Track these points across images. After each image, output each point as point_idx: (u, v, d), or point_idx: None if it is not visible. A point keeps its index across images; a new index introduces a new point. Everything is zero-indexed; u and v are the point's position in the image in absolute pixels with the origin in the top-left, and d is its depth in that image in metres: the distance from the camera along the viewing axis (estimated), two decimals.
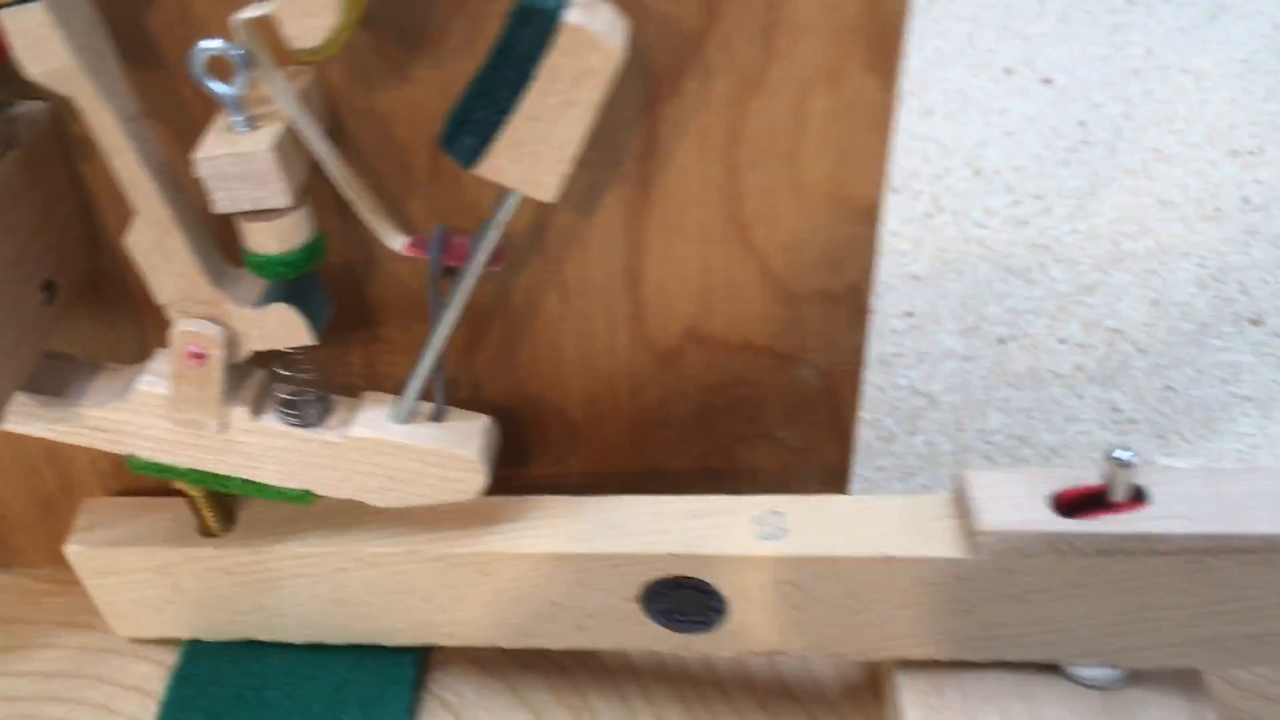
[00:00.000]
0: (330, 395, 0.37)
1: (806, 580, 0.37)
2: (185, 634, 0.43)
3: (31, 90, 0.29)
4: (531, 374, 0.41)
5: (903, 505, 0.37)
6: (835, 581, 0.36)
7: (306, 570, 0.40)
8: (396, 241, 0.34)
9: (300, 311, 0.34)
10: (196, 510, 0.40)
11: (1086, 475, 0.35)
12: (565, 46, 0.28)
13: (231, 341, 0.34)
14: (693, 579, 0.37)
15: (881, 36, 0.33)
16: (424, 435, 0.36)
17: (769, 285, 0.38)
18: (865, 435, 0.45)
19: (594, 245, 0.37)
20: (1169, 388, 0.43)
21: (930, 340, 0.42)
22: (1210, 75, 0.37)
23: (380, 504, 0.37)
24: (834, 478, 0.44)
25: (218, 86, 0.30)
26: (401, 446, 0.36)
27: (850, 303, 0.39)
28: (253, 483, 0.37)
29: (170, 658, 0.44)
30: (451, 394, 0.37)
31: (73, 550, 0.41)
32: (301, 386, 0.36)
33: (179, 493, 0.40)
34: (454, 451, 0.36)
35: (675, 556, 0.37)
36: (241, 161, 0.30)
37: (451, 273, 0.34)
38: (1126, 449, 0.34)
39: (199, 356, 0.34)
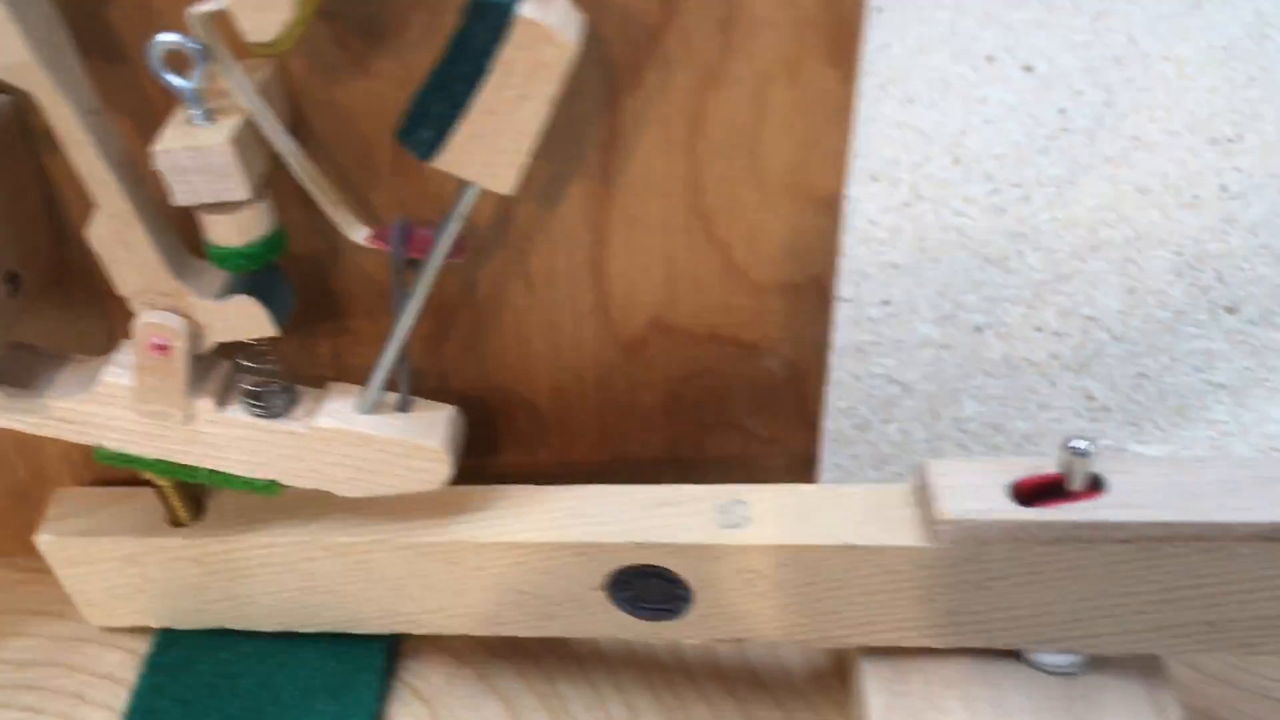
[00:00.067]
0: (296, 386, 0.37)
1: (769, 569, 0.37)
2: (156, 623, 0.44)
3: None
4: (498, 364, 0.41)
5: (866, 494, 0.38)
6: (798, 570, 0.37)
7: (275, 560, 0.40)
8: (358, 233, 0.34)
9: (262, 303, 0.34)
10: (165, 500, 0.40)
11: (1047, 464, 0.36)
12: (519, 40, 0.29)
13: (194, 333, 0.34)
14: (658, 567, 0.38)
15: (839, 29, 0.33)
16: (389, 426, 0.36)
17: (733, 276, 0.38)
18: (839, 423, 0.45)
19: (558, 236, 0.37)
20: (1143, 375, 0.44)
21: (907, 328, 0.42)
22: (1191, 62, 0.37)
23: (347, 494, 0.37)
24: (801, 466, 0.44)
25: (175, 80, 0.30)
26: (366, 437, 0.36)
27: (814, 293, 0.39)
28: (219, 473, 0.37)
29: (142, 646, 0.44)
30: (419, 385, 0.37)
31: (44, 540, 0.41)
32: (267, 378, 0.36)
33: (149, 483, 0.40)
34: (419, 442, 0.36)
35: (640, 545, 0.37)
36: (199, 155, 0.30)
37: (415, 264, 0.34)
38: (1084, 438, 0.34)
39: (162, 348, 0.34)
